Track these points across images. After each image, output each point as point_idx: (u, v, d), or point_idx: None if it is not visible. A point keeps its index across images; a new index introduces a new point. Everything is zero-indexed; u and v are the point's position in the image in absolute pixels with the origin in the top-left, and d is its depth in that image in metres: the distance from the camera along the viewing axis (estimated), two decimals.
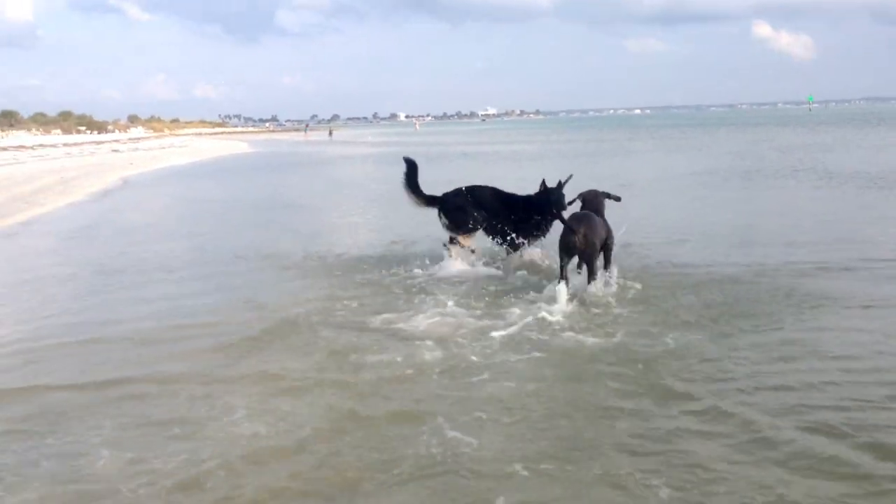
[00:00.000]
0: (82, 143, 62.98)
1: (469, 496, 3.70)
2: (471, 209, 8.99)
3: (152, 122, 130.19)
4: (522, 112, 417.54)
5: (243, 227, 13.82)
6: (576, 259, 7.51)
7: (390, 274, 8.48)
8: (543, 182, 8.87)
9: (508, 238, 8.91)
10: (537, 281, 7.91)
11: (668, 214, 12.92)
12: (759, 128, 62.86)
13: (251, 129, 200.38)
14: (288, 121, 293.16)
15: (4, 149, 50.53)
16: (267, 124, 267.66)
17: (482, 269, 8.61)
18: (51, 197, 19.65)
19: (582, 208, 8.04)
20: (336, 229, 12.97)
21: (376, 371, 5.39)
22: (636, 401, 4.75)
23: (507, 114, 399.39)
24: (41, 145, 57.34)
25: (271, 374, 5.40)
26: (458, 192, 9.23)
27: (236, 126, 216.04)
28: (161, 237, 12.63)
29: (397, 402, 4.83)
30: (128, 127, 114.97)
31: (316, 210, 16.69)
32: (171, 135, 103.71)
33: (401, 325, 6.49)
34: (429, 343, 5.96)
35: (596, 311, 6.76)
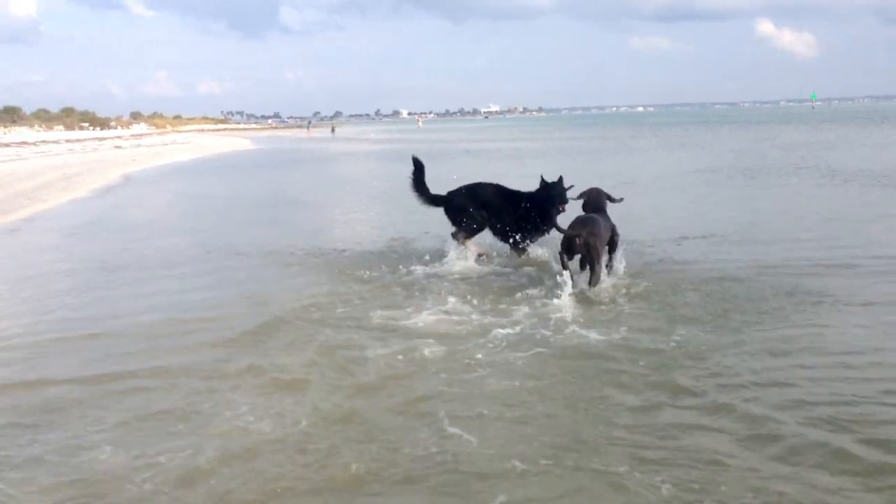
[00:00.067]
0: (85, 140, 62.98)
1: (470, 494, 3.70)
2: (473, 209, 9.00)
3: (155, 119, 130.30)
4: (525, 109, 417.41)
5: (246, 223, 13.82)
6: (577, 257, 7.51)
7: (392, 271, 8.48)
8: (542, 179, 8.86)
9: (512, 235, 8.93)
10: (540, 277, 7.91)
11: (670, 212, 12.90)
12: (762, 126, 62.76)
13: (254, 125, 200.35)
14: (290, 118, 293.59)
15: (7, 145, 50.56)
16: (270, 121, 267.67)
17: (485, 266, 8.61)
18: (53, 193, 19.66)
19: (584, 206, 8.06)
20: (338, 226, 12.97)
21: (377, 368, 5.39)
22: (638, 397, 4.74)
23: (509, 111, 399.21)
24: (43, 141, 57.36)
25: (272, 370, 5.40)
26: (460, 191, 9.24)
27: (239, 123, 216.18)
28: (163, 233, 12.63)
29: (398, 399, 4.83)
30: (130, 123, 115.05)
31: (318, 207, 16.69)
32: (173, 131, 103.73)
33: (402, 322, 6.49)
34: (430, 340, 5.95)
35: (598, 307, 6.77)
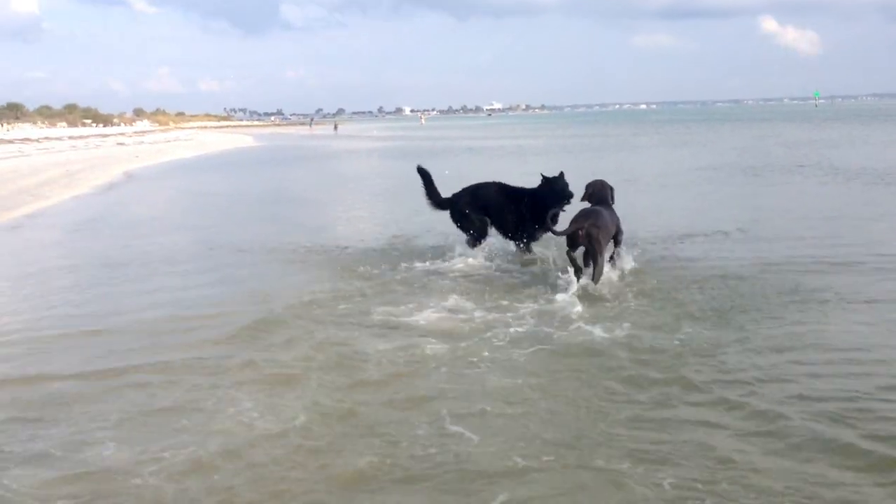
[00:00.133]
0: (87, 136, 63.01)
1: (471, 491, 3.69)
2: (475, 214, 9.04)
3: (157, 116, 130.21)
4: (528, 107, 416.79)
5: (248, 220, 13.84)
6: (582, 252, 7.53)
7: (394, 268, 8.48)
8: (543, 176, 8.85)
9: (516, 233, 8.94)
10: (544, 275, 7.91)
11: (673, 209, 12.89)
12: (765, 123, 62.68)
13: (256, 122, 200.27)
14: (293, 115, 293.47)
15: (10, 141, 50.57)
16: (272, 118, 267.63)
17: (488, 263, 8.60)
18: (56, 190, 19.68)
19: (589, 198, 8.08)
20: (340, 223, 12.97)
21: (379, 365, 5.39)
22: (641, 394, 4.74)
23: (512, 108, 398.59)
24: (46, 138, 57.34)
25: (274, 366, 5.41)
26: (462, 194, 9.23)
27: (241, 120, 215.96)
28: (166, 230, 12.65)
29: (400, 396, 4.83)
30: (133, 120, 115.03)
31: (321, 204, 16.69)
32: (176, 128, 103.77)
33: (404, 319, 6.49)
34: (432, 337, 5.95)
35: (602, 304, 6.76)
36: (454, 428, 4.33)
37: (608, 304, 6.76)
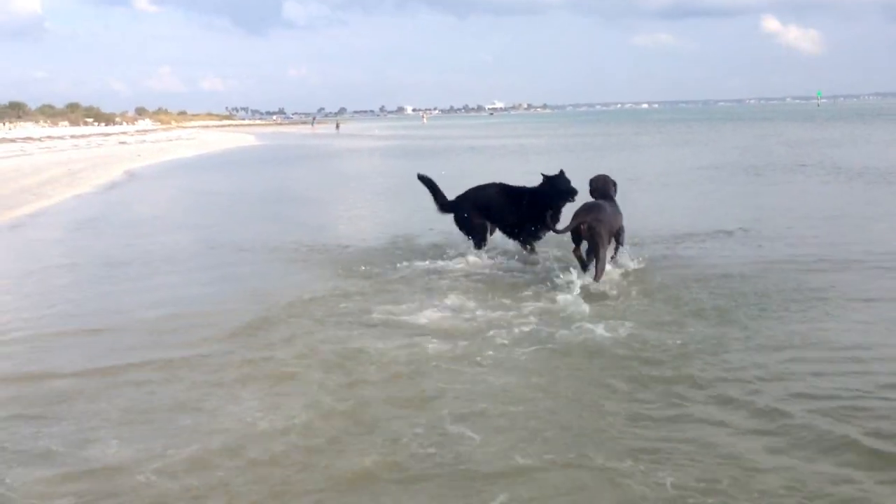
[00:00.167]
0: (90, 135, 63.07)
1: (472, 491, 3.68)
2: (476, 219, 9.05)
3: (159, 115, 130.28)
4: (530, 106, 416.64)
5: (250, 219, 13.84)
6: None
7: (395, 267, 8.47)
8: (543, 175, 8.84)
9: (520, 232, 8.94)
10: (546, 273, 7.90)
11: (675, 208, 12.89)
12: (767, 123, 62.64)
13: (258, 121, 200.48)
14: (295, 114, 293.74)
15: (12, 140, 50.65)
16: (274, 117, 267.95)
17: (490, 262, 8.60)
18: (58, 189, 19.69)
19: (592, 193, 8.11)
20: (342, 222, 12.97)
21: (380, 364, 5.38)
22: (643, 393, 4.73)
23: (514, 108, 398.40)
24: (49, 137, 57.42)
25: (274, 365, 5.41)
26: (464, 198, 9.23)
27: (243, 119, 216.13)
28: (167, 229, 12.66)
29: (401, 396, 4.82)
30: (135, 119, 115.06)
31: (322, 203, 16.69)
32: (178, 127, 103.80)
33: (405, 318, 6.48)
34: (433, 336, 5.94)
35: (604, 303, 6.76)
36: (455, 427, 4.32)
37: (610, 303, 6.76)
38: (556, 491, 3.66)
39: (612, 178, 8.31)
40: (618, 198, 8.22)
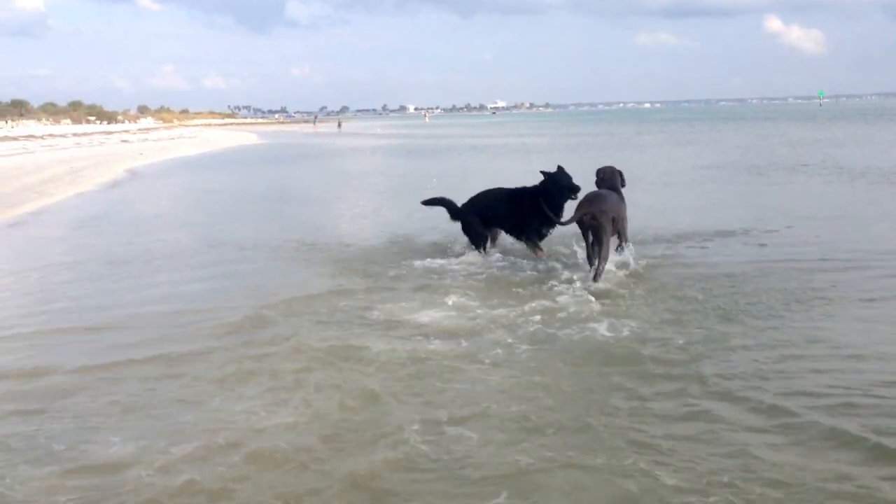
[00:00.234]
0: (92, 133, 63.14)
1: (472, 490, 3.69)
2: (479, 227, 9.08)
3: (162, 113, 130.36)
4: (532, 105, 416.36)
5: (251, 217, 13.84)
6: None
7: (397, 266, 8.47)
8: (542, 172, 8.85)
9: (523, 232, 8.96)
10: (548, 272, 7.91)
11: (677, 208, 12.86)
12: (769, 122, 62.57)
13: (260, 120, 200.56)
14: (297, 112, 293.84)
15: (14, 138, 50.73)
16: (276, 116, 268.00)
17: (492, 262, 8.60)
18: (60, 187, 19.71)
19: (599, 184, 8.20)
20: (343, 221, 12.97)
21: (380, 363, 5.37)
22: (646, 392, 4.74)
23: (516, 107, 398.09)
24: (51, 135, 57.49)
25: (276, 363, 5.41)
26: (468, 206, 9.26)
27: (246, 117, 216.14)
28: (169, 227, 12.66)
29: (401, 394, 4.82)
30: (137, 117, 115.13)
31: (324, 202, 16.69)
32: (180, 125, 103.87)
33: (407, 317, 6.48)
34: (434, 335, 5.95)
35: (606, 303, 6.74)
36: (456, 426, 4.32)
37: (612, 303, 6.76)
38: (557, 490, 3.66)
39: (619, 168, 8.45)
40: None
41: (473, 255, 8.77)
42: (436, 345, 5.71)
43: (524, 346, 5.65)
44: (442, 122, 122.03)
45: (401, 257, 8.89)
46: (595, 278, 7.29)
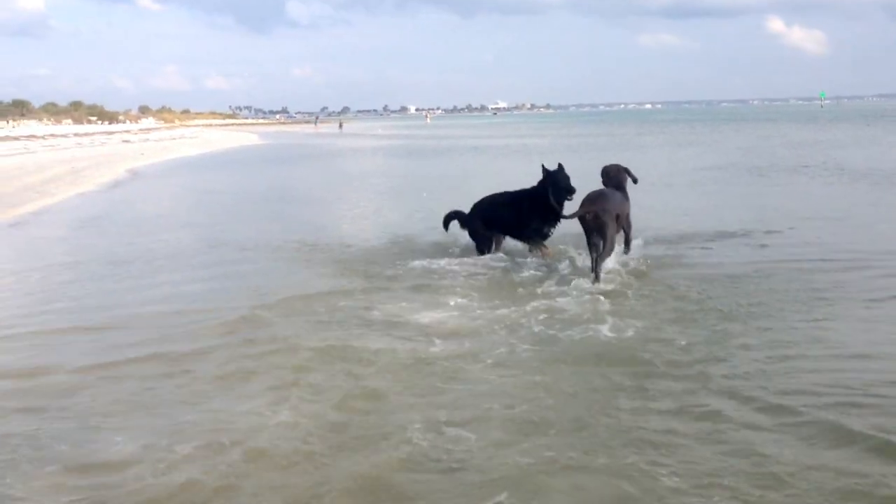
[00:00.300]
0: (93, 134, 63.23)
1: (471, 490, 3.68)
2: (484, 232, 9.10)
3: (163, 113, 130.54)
4: (533, 106, 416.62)
5: (252, 218, 13.85)
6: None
7: (398, 266, 8.47)
8: (544, 167, 8.85)
9: (528, 236, 8.97)
10: (550, 273, 7.90)
11: (679, 209, 12.86)
12: (771, 124, 62.56)
13: (262, 120, 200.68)
14: (298, 113, 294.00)
15: (16, 138, 50.80)
16: (277, 116, 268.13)
17: (494, 262, 8.59)
18: (61, 187, 19.72)
19: (605, 182, 8.23)
20: (344, 222, 12.97)
21: (381, 363, 5.37)
22: (648, 392, 4.73)
23: (517, 107, 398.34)
24: (52, 135, 57.57)
25: (276, 363, 5.41)
26: (473, 213, 9.30)
27: (247, 118, 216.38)
28: (170, 228, 12.67)
29: (402, 395, 4.82)
30: (139, 117, 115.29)
31: (325, 202, 16.69)
32: (181, 126, 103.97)
33: (408, 317, 6.48)
34: (435, 335, 5.94)
35: (608, 303, 6.73)
36: (457, 426, 4.32)
37: (614, 303, 6.75)
38: (558, 490, 3.66)
39: (624, 165, 8.52)
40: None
41: (476, 257, 8.77)
42: (437, 345, 5.71)
43: (526, 347, 5.65)
44: (443, 123, 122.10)
45: (402, 258, 8.89)
46: (595, 277, 7.30)
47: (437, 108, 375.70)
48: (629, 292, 7.08)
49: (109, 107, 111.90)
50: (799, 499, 3.50)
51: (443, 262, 8.56)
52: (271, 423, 4.42)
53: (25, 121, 79.60)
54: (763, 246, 9.14)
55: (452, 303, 6.89)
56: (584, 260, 7.88)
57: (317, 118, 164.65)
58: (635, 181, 8.60)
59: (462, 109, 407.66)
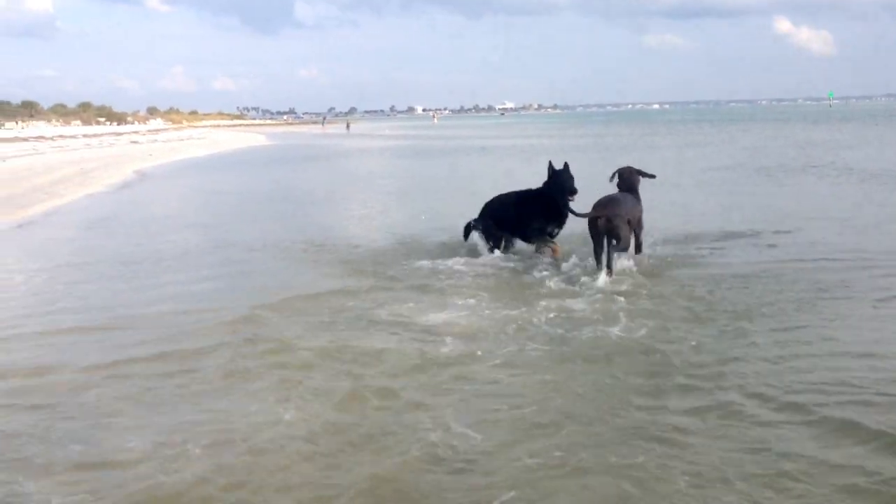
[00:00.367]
0: (102, 135, 63.37)
1: (479, 490, 3.68)
2: (494, 230, 9.11)
3: (171, 114, 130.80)
4: (540, 106, 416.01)
5: (260, 218, 13.87)
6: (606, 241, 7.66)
7: (405, 266, 8.48)
8: (550, 164, 8.84)
9: (532, 234, 8.96)
10: (560, 273, 7.89)
11: (687, 209, 12.84)
12: (779, 124, 62.34)
13: (269, 121, 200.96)
14: (306, 113, 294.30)
15: (25, 139, 50.96)
16: (285, 117, 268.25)
17: (502, 263, 8.58)
18: (70, 188, 19.79)
19: (619, 185, 8.25)
20: (352, 222, 12.99)
21: (388, 363, 5.37)
22: (658, 392, 4.72)
23: (524, 108, 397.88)
24: (61, 136, 57.72)
25: (284, 363, 5.42)
26: (483, 213, 9.32)
27: (254, 118, 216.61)
28: (178, 228, 12.71)
29: (410, 394, 4.82)
30: (147, 118, 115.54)
31: (332, 203, 16.72)
32: (189, 127, 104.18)
33: (415, 317, 6.47)
34: (444, 336, 5.92)
35: (618, 303, 6.71)
36: (465, 426, 4.31)
37: (624, 303, 6.72)
38: (567, 490, 3.65)
39: (637, 169, 8.52)
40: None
41: (484, 257, 8.77)
42: (445, 345, 5.70)
43: (534, 346, 5.64)
44: (450, 124, 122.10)
45: (410, 258, 8.89)
46: (609, 270, 7.34)
47: (445, 109, 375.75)
48: (639, 292, 7.07)
49: (117, 108, 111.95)
50: (811, 497, 3.49)
51: (450, 262, 8.56)
52: (279, 422, 4.43)
53: (34, 122, 79.87)
54: (771, 246, 9.12)
55: (460, 302, 6.89)
56: (592, 261, 7.87)
57: (324, 119, 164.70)
58: (653, 177, 8.65)
59: (469, 110, 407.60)
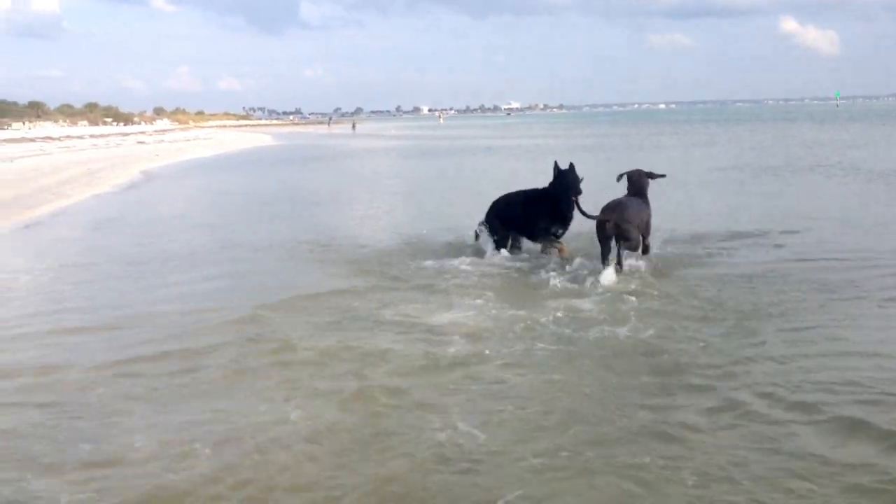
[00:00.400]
0: (108, 135, 63.49)
1: (485, 490, 3.68)
2: (501, 229, 9.09)
3: (178, 115, 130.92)
4: (546, 106, 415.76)
5: (266, 219, 13.88)
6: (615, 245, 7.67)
7: (411, 266, 8.47)
8: (556, 164, 8.83)
9: (538, 234, 8.95)
10: (566, 274, 7.88)
11: (693, 209, 12.82)
12: (785, 123, 62.20)
13: (275, 121, 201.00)
14: (312, 114, 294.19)
15: (32, 140, 51.08)
16: (291, 117, 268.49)
17: (508, 263, 8.58)
18: (77, 188, 19.83)
19: (628, 188, 8.23)
20: (358, 222, 12.99)
21: (395, 363, 5.37)
22: (665, 393, 4.71)
23: (530, 108, 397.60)
24: (68, 136, 57.82)
25: (289, 363, 5.43)
26: (490, 212, 9.30)
27: (260, 119, 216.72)
28: (185, 229, 12.73)
29: (416, 394, 4.82)
30: (153, 119, 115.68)
31: (338, 203, 16.72)
32: (195, 127, 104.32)
33: (421, 317, 6.47)
34: (451, 336, 5.92)
35: (625, 304, 6.70)
36: (471, 426, 4.31)
37: (632, 304, 6.70)
38: (573, 490, 3.64)
39: (647, 171, 8.51)
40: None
41: (490, 257, 8.76)
42: (452, 345, 5.70)
43: (541, 346, 5.63)
44: (456, 124, 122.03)
45: (415, 258, 8.89)
46: (619, 265, 7.42)
47: (450, 109, 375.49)
48: (646, 292, 7.05)
49: (124, 108, 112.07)
50: (820, 496, 3.48)
51: (456, 261, 8.55)
52: (286, 421, 4.44)
53: (41, 122, 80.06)
54: (779, 246, 9.10)
55: (467, 302, 6.88)
56: (597, 263, 7.86)
57: (330, 119, 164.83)
58: (663, 176, 8.66)
59: (475, 110, 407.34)
